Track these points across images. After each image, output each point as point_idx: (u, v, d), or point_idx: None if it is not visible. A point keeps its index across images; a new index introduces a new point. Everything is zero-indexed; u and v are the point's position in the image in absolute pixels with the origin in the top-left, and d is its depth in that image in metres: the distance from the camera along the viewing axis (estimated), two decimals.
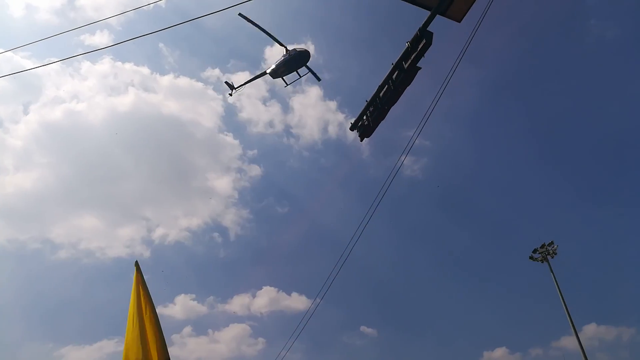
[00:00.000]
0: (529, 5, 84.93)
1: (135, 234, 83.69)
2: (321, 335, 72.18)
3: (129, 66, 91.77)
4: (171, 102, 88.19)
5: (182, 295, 77.57)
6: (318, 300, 19.16)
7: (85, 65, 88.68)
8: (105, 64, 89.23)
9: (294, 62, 37.68)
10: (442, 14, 9.99)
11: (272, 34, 37.10)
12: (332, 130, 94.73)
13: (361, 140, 12.08)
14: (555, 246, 35.61)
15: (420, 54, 9.96)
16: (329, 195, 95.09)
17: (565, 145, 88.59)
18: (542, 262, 35.81)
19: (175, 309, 75.40)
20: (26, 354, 60.99)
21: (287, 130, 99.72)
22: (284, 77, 39.31)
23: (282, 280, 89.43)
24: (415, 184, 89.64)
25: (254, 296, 79.27)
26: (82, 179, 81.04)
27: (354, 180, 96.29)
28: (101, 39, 79.64)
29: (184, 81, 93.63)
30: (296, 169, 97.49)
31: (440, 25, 10.01)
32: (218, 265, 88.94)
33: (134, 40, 11.89)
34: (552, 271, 35.07)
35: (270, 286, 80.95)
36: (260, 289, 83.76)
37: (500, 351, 65.33)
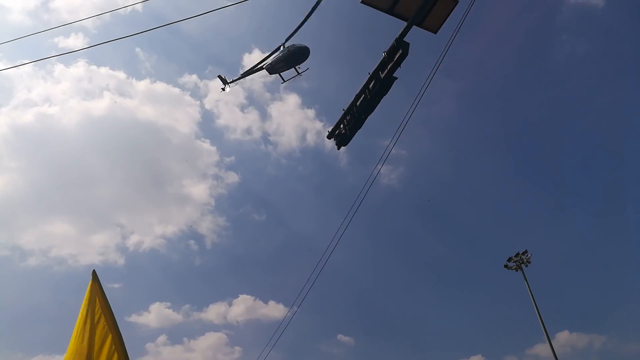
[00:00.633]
0: (504, 19, 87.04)
1: (109, 240, 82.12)
2: (298, 343, 71.92)
3: (104, 70, 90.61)
4: (147, 107, 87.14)
5: (157, 303, 76.52)
6: (295, 308, 19.00)
7: (59, 68, 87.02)
8: (79, 67, 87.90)
9: (293, 58, 35.89)
10: (419, 25, 10.12)
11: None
12: (311, 138, 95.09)
13: (338, 149, 12.11)
14: (530, 255, 36.27)
15: (397, 64, 10.04)
16: (306, 203, 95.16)
17: (539, 156, 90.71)
18: (517, 270, 36.39)
19: (150, 317, 74.25)
20: None
21: (265, 137, 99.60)
22: (281, 74, 37.26)
23: (259, 289, 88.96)
24: (392, 193, 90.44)
25: (230, 304, 78.69)
26: (54, 184, 79.34)
27: (331, 189, 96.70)
28: (76, 41, 78.42)
29: (160, 86, 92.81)
30: (274, 176, 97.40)
31: (417, 36, 10.14)
32: (194, 273, 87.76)
33: (110, 45, 11.73)
34: (526, 279, 35.64)
35: (247, 294, 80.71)
36: (237, 297, 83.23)
37: (475, 359, 65.98)
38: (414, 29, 10.01)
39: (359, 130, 11.42)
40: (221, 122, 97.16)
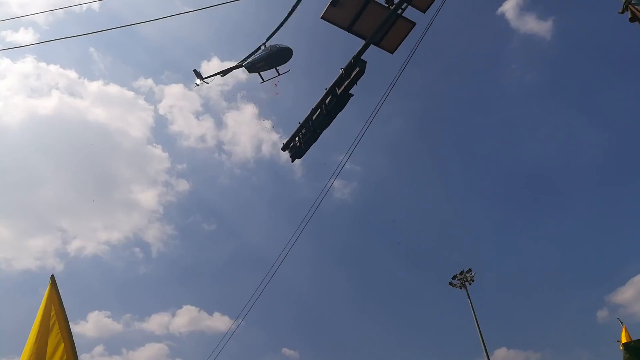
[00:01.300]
0: (458, 45, 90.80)
1: (49, 245, 78.13)
2: (242, 356, 70.34)
3: (54, 68, 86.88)
4: (99, 109, 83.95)
5: (97, 311, 72.93)
6: (240, 320, 18.65)
7: (5, 62, 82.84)
8: (27, 64, 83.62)
9: (275, 59, 34.95)
10: (377, 45, 10.37)
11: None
12: (266, 149, 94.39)
13: (292, 161, 12.15)
14: (473, 273, 37.44)
15: (353, 81, 10.21)
16: (258, 214, 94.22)
17: (486, 178, 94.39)
18: (461, 288, 37.43)
19: (87, 326, 70.59)
20: None
21: (220, 146, 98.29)
22: (260, 73, 36.13)
23: (205, 300, 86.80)
24: (344, 208, 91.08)
25: (173, 315, 76.29)
26: None
27: (284, 201, 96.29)
28: (25, 37, 74.86)
29: (114, 89, 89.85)
30: (226, 186, 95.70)
31: (375, 55, 10.36)
32: (137, 282, 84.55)
33: (61, 42, 11.39)
34: (469, 297, 36.73)
35: (192, 305, 78.87)
36: (181, 307, 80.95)
37: None
38: (372, 48, 10.25)
39: (314, 144, 11.51)
40: (175, 128, 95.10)
